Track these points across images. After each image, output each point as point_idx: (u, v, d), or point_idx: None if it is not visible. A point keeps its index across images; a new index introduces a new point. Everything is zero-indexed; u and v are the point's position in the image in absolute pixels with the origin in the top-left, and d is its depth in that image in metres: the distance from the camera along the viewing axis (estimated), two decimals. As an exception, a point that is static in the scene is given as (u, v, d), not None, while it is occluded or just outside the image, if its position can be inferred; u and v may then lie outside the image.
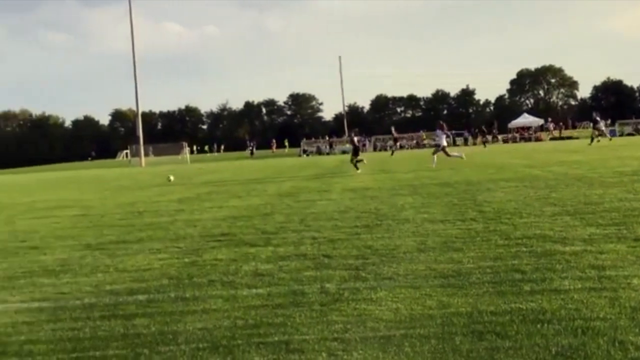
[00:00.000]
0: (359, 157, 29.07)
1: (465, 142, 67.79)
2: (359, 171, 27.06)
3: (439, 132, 28.96)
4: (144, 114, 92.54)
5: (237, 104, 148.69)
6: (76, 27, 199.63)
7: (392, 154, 48.92)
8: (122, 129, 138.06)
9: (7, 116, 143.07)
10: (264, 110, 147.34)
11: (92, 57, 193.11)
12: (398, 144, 55.13)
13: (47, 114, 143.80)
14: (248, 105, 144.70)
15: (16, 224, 14.30)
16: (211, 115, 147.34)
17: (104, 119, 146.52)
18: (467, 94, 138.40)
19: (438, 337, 4.91)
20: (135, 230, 11.83)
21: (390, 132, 57.68)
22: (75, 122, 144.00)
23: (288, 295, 6.40)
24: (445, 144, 28.43)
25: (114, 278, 7.67)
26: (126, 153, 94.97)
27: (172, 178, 28.53)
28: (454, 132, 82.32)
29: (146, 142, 79.46)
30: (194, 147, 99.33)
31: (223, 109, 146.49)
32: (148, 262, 8.54)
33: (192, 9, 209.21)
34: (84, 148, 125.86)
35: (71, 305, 6.47)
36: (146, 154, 77.33)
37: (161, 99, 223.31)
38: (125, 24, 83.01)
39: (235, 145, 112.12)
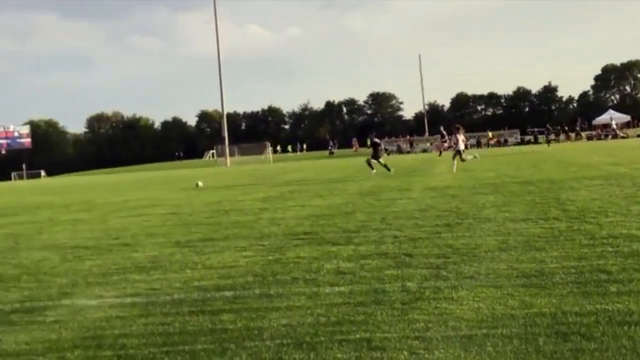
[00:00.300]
0: (381, 160, 28.21)
1: (547, 140, 66.12)
2: (373, 171, 26.69)
3: (458, 137, 27.36)
4: (228, 115, 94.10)
5: (318, 104, 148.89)
6: (166, 32, 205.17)
7: (439, 154, 48.29)
8: (208, 130, 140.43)
9: (101, 118, 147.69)
10: (344, 109, 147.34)
11: (180, 61, 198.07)
12: (446, 144, 54.02)
13: (137, 115, 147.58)
14: (329, 104, 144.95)
15: (109, 222, 14.78)
16: (293, 115, 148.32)
17: (191, 120, 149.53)
18: (549, 91, 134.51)
19: (521, 338, 4.81)
20: (221, 229, 12.05)
21: (440, 132, 57.12)
22: (165, 124, 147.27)
23: (369, 293, 6.39)
24: (462, 148, 27.02)
25: (201, 275, 7.83)
26: (212, 153, 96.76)
27: (200, 184, 27.79)
28: (535, 129, 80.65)
29: (231, 142, 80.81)
30: (277, 147, 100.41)
31: (304, 109, 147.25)
32: (234, 260, 8.68)
33: (275, 12, 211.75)
34: (172, 148, 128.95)
35: (161, 300, 6.64)
36: (232, 154, 78.64)
37: (245, 99, 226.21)
38: (211, 27, 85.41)
39: (316, 144, 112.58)
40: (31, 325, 5.99)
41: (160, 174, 54.86)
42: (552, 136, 68.34)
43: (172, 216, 15.03)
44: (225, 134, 77.02)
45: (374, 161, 27.89)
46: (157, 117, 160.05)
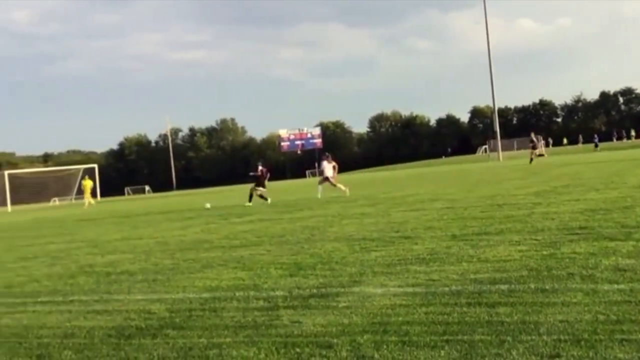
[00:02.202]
0: (259, 191, 25.57)
1: None
2: (249, 204, 24.26)
3: (324, 163, 26.34)
4: (500, 110, 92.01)
5: (592, 95, 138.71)
6: (438, 33, 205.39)
7: (530, 162, 42.78)
8: (480, 125, 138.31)
9: (381, 118, 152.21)
10: (620, 99, 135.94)
11: (452, 59, 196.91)
12: (537, 150, 46.72)
13: (414, 114, 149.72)
14: (603, 95, 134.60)
15: (391, 216, 15.25)
16: (565, 107, 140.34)
17: (464, 117, 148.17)
18: None
19: None
20: (495, 222, 11.83)
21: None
22: (439, 121, 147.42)
23: (652, 292, 5.87)
24: (330, 174, 25.74)
25: (477, 268, 7.77)
26: (485, 148, 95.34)
27: (208, 205, 26.18)
28: None
29: (503, 136, 78.92)
30: (549, 140, 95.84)
31: (577, 100, 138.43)
32: (508, 253, 8.49)
33: (545, 3, 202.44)
34: (447, 145, 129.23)
35: (440, 291, 6.70)
36: (504, 149, 76.76)
37: (516, 94, 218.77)
38: (480, 25, 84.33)
39: (590, 137, 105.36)
40: (326, 310, 6.37)
41: (434, 169, 55.33)
42: None
43: (448, 210, 15.09)
44: (497, 129, 75.37)
45: (259, 190, 25.75)
46: (432, 114, 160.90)
